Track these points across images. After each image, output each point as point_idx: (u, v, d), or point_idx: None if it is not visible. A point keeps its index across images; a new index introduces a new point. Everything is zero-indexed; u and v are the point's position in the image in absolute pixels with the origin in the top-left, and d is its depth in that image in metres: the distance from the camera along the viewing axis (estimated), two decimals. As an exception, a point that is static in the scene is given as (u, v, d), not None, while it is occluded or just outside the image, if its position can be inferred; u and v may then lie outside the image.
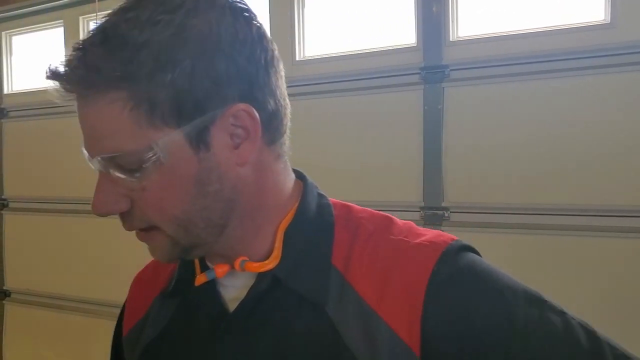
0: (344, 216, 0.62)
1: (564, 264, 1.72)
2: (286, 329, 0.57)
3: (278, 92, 0.57)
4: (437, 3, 1.87)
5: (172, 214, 0.53)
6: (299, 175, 0.65)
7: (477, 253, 0.59)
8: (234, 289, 0.61)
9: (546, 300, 0.55)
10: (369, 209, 0.64)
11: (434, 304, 0.53)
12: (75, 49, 0.51)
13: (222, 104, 0.52)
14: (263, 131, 0.55)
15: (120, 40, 0.49)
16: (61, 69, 0.51)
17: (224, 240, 0.58)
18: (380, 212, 0.63)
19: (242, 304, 0.59)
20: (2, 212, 2.89)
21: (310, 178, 0.65)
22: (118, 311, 0.76)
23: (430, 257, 0.55)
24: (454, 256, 0.56)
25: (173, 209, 0.53)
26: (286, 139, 0.61)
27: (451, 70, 1.86)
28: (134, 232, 0.57)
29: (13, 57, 2.88)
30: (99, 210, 0.54)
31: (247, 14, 0.55)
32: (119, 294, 0.86)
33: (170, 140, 0.51)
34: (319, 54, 2.12)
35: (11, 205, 2.87)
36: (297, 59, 2.13)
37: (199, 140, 0.52)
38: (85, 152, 0.54)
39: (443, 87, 1.88)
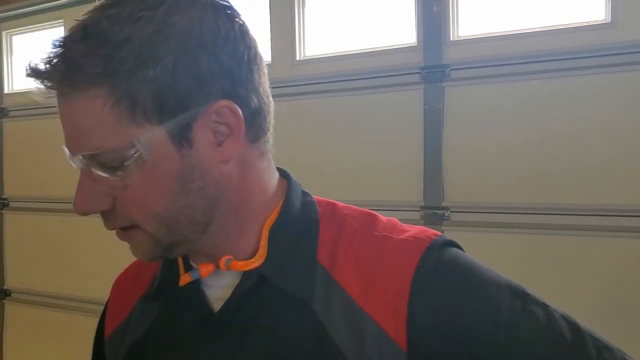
0: (329, 213, 0.62)
1: (565, 264, 1.72)
2: (273, 327, 0.57)
3: (261, 90, 0.57)
4: (437, 2, 1.87)
5: (155, 212, 0.53)
6: (283, 174, 0.65)
7: (461, 248, 0.60)
8: (219, 289, 0.61)
9: (529, 294, 0.56)
10: (352, 206, 0.64)
11: (419, 298, 0.54)
12: (56, 46, 0.50)
13: (204, 101, 0.52)
14: (246, 128, 0.55)
15: (101, 37, 0.49)
16: (42, 66, 0.50)
17: (208, 238, 0.57)
18: (364, 209, 0.64)
19: (228, 303, 0.58)
20: (3, 211, 2.89)
21: (294, 176, 0.65)
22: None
23: (415, 252, 0.56)
24: (438, 251, 0.57)
25: (155, 207, 0.53)
26: (270, 137, 0.60)
27: (451, 69, 1.86)
28: None
29: (13, 57, 2.89)
30: (81, 209, 0.54)
31: (229, 11, 0.55)
32: (119, 293, 0.86)
33: (152, 137, 0.50)
34: (320, 54, 2.12)
35: (11, 204, 2.87)
36: (298, 58, 2.13)
37: (182, 137, 0.52)
38: (66, 150, 0.54)
39: (443, 87, 1.88)
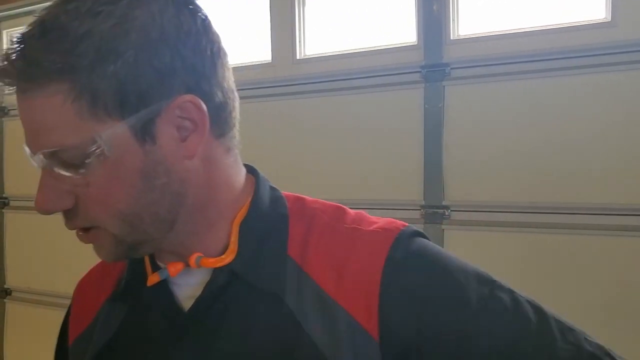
0: (298, 208, 0.63)
1: (565, 262, 1.72)
2: (245, 323, 0.56)
3: (225, 84, 0.56)
4: (437, 1, 1.86)
5: (117, 209, 0.52)
6: (250, 170, 0.65)
7: (427, 238, 0.61)
8: (189, 287, 0.60)
9: (495, 280, 0.57)
10: (321, 200, 0.65)
11: (389, 288, 0.55)
12: (15, 42, 0.49)
13: (167, 96, 0.51)
14: (211, 123, 0.54)
15: (60, 31, 0.48)
16: (0, 63, 0.49)
17: (174, 236, 0.56)
18: (332, 203, 0.64)
19: (199, 301, 0.58)
20: (3, 210, 2.89)
21: (261, 172, 0.65)
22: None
23: (384, 243, 0.57)
24: (407, 241, 0.58)
25: (118, 204, 0.52)
26: (236, 133, 0.60)
27: (452, 68, 1.86)
28: None
29: (14, 56, 2.89)
30: (42, 207, 0.52)
31: (191, 6, 0.54)
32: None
33: (114, 133, 0.50)
34: (320, 53, 2.12)
35: (12, 203, 2.87)
36: (298, 57, 2.13)
37: (145, 133, 0.51)
38: (27, 149, 0.52)
39: (444, 86, 1.87)
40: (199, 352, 0.57)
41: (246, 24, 2.28)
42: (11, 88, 0.51)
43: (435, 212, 1.89)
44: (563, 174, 1.72)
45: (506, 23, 1.83)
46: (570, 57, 1.70)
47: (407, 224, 0.60)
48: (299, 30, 2.13)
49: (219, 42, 0.56)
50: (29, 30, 0.50)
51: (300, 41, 2.13)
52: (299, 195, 0.65)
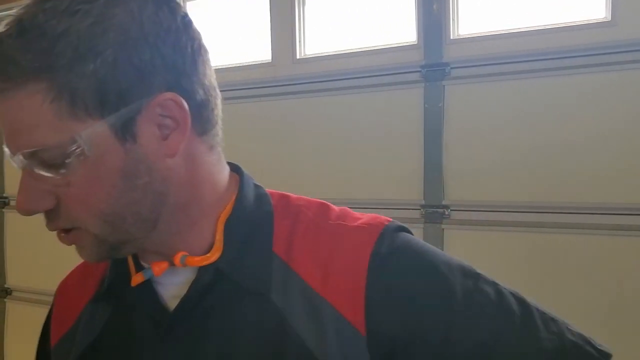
0: (283, 205, 0.63)
1: (565, 262, 1.72)
2: (232, 322, 0.56)
3: (207, 82, 0.56)
4: (437, 1, 1.87)
5: (99, 209, 0.51)
6: (234, 168, 0.64)
7: (411, 233, 0.61)
8: (174, 287, 0.59)
9: (479, 273, 0.58)
10: (305, 197, 0.65)
11: (375, 283, 0.55)
12: None
13: (147, 94, 0.50)
14: (193, 121, 0.53)
15: (38, 30, 0.48)
16: None
17: (156, 235, 0.56)
18: (317, 200, 0.64)
19: (184, 300, 0.57)
20: (4, 210, 2.89)
21: (245, 170, 0.65)
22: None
23: (369, 238, 0.57)
24: (391, 236, 0.58)
25: (99, 204, 0.51)
26: (219, 130, 0.59)
27: (452, 68, 1.86)
28: None
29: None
30: (23, 208, 0.52)
31: (171, 4, 0.54)
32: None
33: (94, 132, 0.49)
34: (320, 52, 2.12)
35: (12, 203, 2.87)
36: (298, 57, 2.13)
37: (125, 132, 0.50)
38: (6, 150, 0.52)
39: (444, 85, 1.88)
40: (185, 352, 0.56)
41: (246, 24, 2.28)
42: None
43: (435, 211, 1.89)
44: (563, 173, 1.73)
45: (506, 23, 1.83)
46: (571, 57, 1.71)
47: (391, 219, 0.61)
48: (299, 30, 2.13)
49: (199, 40, 0.56)
50: (7, 29, 0.49)
51: (300, 41, 2.13)
52: (283, 192, 0.65)
